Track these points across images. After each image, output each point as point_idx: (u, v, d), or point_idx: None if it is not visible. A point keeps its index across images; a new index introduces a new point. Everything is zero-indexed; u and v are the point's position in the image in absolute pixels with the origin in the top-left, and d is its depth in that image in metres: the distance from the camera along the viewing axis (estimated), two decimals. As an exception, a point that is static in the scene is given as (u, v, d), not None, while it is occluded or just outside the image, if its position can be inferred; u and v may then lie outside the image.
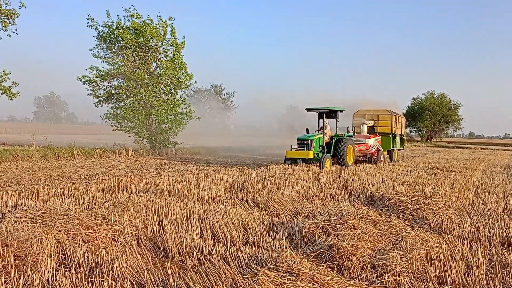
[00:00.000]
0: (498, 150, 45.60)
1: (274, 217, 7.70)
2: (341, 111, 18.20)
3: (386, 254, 5.27)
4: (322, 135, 17.57)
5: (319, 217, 7.04)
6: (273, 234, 6.54)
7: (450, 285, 4.56)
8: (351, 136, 18.59)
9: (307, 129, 18.20)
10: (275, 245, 5.88)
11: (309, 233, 6.29)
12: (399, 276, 4.65)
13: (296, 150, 17.12)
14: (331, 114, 18.08)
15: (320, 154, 17.04)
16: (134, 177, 12.27)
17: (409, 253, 5.24)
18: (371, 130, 22.63)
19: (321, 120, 18.08)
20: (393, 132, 22.80)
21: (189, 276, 4.14)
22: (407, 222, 7.25)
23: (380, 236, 6.20)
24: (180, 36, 32.38)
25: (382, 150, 20.94)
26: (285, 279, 4.25)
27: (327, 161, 16.30)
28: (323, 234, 6.15)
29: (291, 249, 5.59)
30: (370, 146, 20.41)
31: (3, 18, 14.98)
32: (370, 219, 6.92)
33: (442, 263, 5.07)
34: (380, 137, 21.78)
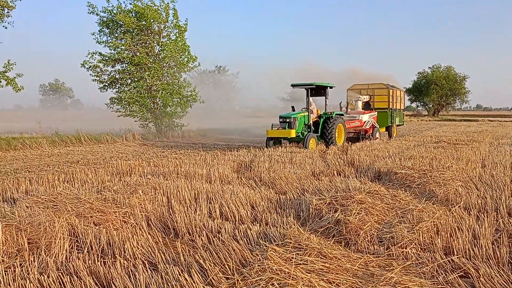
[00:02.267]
0: (506, 121, 45.24)
1: (282, 195, 7.77)
2: (330, 87, 16.98)
3: (393, 227, 5.33)
4: (307, 113, 16.31)
5: (326, 194, 7.09)
6: (280, 211, 6.61)
7: (457, 255, 4.61)
8: (342, 114, 17.42)
9: (292, 107, 17.13)
10: (283, 222, 5.95)
11: (316, 209, 6.36)
12: (406, 248, 4.71)
13: (278, 129, 15.92)
14: (319, 90, 16.91)
15: (306, 133, 15.86)
16: (141, 160, 12.38)
17: (416, 225, 5.30)
18: (367, 106, 21.52)
19: (310, 97, 16.77)
20: (391, 107, 21.82)
21: (199, 254, 4.22)
22: (414, 196, 7.28)
23: (387, 210, 6.26)
24: (183, 18, 31.93)
25: (378, 126, 19.98)
26: (293, 254, 4.32)
27: (311, 141, 15.34)
28: (330, 210, 6.20)
29: (299, 225, 5.66)
30: (365, 122, 19.26)
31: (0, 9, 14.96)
32: (377, 193, 6.96)
33: (449, 235, 5.11)
34: (376, 113, 20.65)
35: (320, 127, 16.45)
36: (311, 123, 16.37)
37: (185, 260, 4.22)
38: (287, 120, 15.67)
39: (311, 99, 16.66)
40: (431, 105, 67.55)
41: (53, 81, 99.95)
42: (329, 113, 16.62)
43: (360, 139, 18.29)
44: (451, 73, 64.94)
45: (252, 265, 3.89)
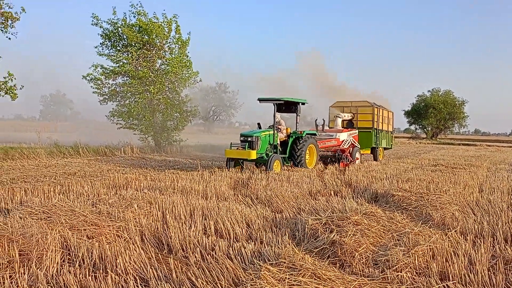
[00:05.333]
0: (504, 147, 45.35)
1: (278, 213, 7.73)
2: (302, 103, 15.42)
3: (388, 250, 5.28)
4: (273, 132, 14.49)
5: (322, 214, 7.06)
6: (276, 230, 6.57)
7: (452, 280, 4.56)
8: (314, 134, 15.87)
9: (258, 124, 15.55)
10: (278, 241, 5.91)
11: (312, 229, 6.31)
12: (401, 272, 4.66)
13: (237, 149, 14.13)
14: (290, 106, 15.22)
15: (270, 154, 14.05)
16: (138, 174, 12.34)
17: (411, 249, 5.25)
18: (350, 125, 19.97)
19: (278, 114, 15.10)
20: (375, 127, 20.14)
21: (191, 271, 4.18)
22: (411, 219, 7.25)
23: (383, 232, 6.21)
24: (185, 32, 32.20)
25: (358, 146, 18.25)
26: (287, 275, 4.27)
27: (275, 163, 13.77)
28: (326, 230, 6.16)
29: (293, 245, 5.62)
30: (343, 141, 17.55)
31: (3, 21, 15.09)
32: (373, 215, 6.93)
33: (444, 259, 5.07)
34: (356, 131, 18.92)
35: (288, 147, 14.95)
36: (278, 143, 14.75)
37: (177, 277, 4.17)
38: (248, 139, 13.97)
39: (279, 116, 15.16)
40: (429, 128, 67.80)
41: (54, 92, 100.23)
42: (299, 132, 15.06)
43: (338, 160, 16.70)
44: (450, 97, 65.33)
45: (244, 284, 3.85)
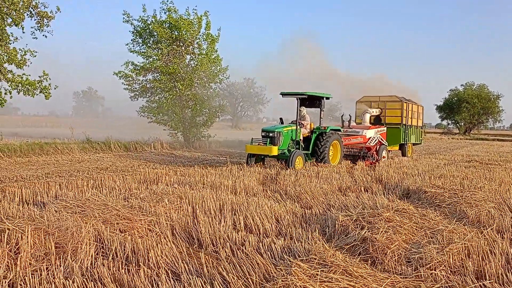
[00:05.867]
0: (542, 142, 43.72)
1: (307, 209, 7.69)
2: (326, 98, 14.89)
3: (421, 248, 5.17)
4: (296, 127, 14.02)
5: (352, 210, 6.98)
6: (306, 226, 6.53)
7: (489, 280, 4.43)
8: (338, 130, 15.33)
9: (280, 119, 15.07)
10: (308, 237, 5.88)
11: (342, 225, 6.25)
12: (435, 270, 4.56)
13: (258, 144, 13.74)
14: (314, 101, 14.76)
15: (292, 150, 13.64)
16: (168, 169, 12.49)
17: (445, 247, 5.13)
18: (377, 121, 19.30)
19: (303, 108, 14.66)
20: (404, 122, 19.39)
21: (222, 266, 4.19)
22: (444, 216, 7.08)
23: (416, 229, 6.09)
24: (215, 28, 32.25)
25: (386, 144, 17.41)
26: (318, 271, 4.24)
27: (297, 159, 13.24)
28: (357, 227, 6.09)
29: (324, 241, 5.57)
30: (369, 138, 16.75)
31: (39, 19, 15.49)
32: (405, 212, 6.80)
33: (480, 258, 4.92)
34: (384, 128, 18.14)
35: (311, 143, 14.41)
36: (301, 138, 14.25)
37: (208, 272, 4.20)
38: (270, 134, 13.53)
39: (305, 111, 14.75)
40: (462, 124, 66.01)
41: (87, 89, 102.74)
42: (323, 128, 14.51)
43: (363, 157, 15.92)
44: (484, 92, 63.32)
45: (275, 280, 3.83)
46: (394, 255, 5.05)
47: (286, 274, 3.92)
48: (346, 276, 4.21)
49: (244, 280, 3.90)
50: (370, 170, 13.20)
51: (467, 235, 5.58)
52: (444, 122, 71.23)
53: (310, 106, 15.10)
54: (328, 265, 4.46)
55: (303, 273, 3.95)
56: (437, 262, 4.71)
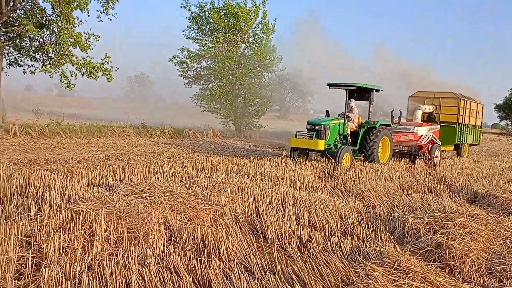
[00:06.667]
0: None
1: (370, 208, 7.44)
2: (377, 90, 13.84)
3: (504, 259, 4.84)
4: (344, 121, 13.17)
5: (421, 212, 6.68)
6: (372, 226, 6.30)
7: None
8: (388, 125, 14.27)
9: (327, 111, 14.12)
10: (376, 238, 5.66)
11: (412, 228, 5.98)
12: (523, 285, 4.23)
13: (303, 138, 12.98)
14: (363, 94, 13.80)
15: (339, 145, 12.88)
16: (224, 158, 12.51)
17: (531, 259, 4.76)
18: (430, 118, 17.85)
19: (351, 101, 13.75)
20: (461, 121, 18.07)
21: (298, 266, 4.05)
22: (521, 224, 6.62)
23: (493, 237, 5.73)
24: (271, 17, 32.04)
25: (438, 143, 15.95)
26: (395, 276, 4.04)
27: (345, 155, 12.39)
28: (429, 231, 5.80)
29: (395, 243, 5.33)
30: (421, 136, 15.50)
31: (105, 2, 15.82)
32: (478, 217, 6.43)
33: None
34: (438, 126, 16.88)
35: (359, 139, 13.51)
36: (348, 133, 13.39)
37: (281, 270, 4.08)
38: (316, 127, 12.70)
39: (353, 103, 13.85)
40: (524, 124, 62.36)
41: (139, 74, 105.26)
42: (372, 123, 13.55)
43: (413, 156, 14.73)
44: (550, 90, 59.44)
45: (356, 284, 3.66)
46: (474, 264, 4.75)
47: (366, 278, 3.74)
48: (426, 284, 3.99)
49: (324, 283, 3.75)
50: (432, 170, 12.66)
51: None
52: (503, 123, 67.59)
53: (358, 99, 14.16)
54: (404, 270, 4.24)
55: (384, 278, 3.76)
56: (524, 276, 4.38)
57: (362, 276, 3.76)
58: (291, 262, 4.23)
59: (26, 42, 15.30)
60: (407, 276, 4.11)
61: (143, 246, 4.53)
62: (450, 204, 7.42)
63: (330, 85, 13.72)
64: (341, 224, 6.30)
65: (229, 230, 5.29)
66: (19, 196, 6.46)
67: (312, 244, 5.19)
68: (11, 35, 15.04)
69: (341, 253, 4.93)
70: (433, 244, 5.26)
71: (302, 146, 12.94)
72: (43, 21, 14.87)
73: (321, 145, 12.36)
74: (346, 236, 5.75)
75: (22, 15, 14.83)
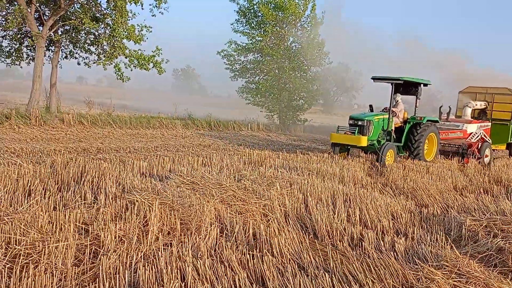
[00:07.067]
0: None
1: (423, 207, 7.20)
2: (425, 85, 13.27)
3: None
4: (388, 116, 12.59)
5: (478, 214, 6.39)
6: (426, 226, 6.09)
7: None
8: (436, 121, 13.64)
9: (370, 106, 13.63)
10: (431, 239, 5.46)
11: (470, 230, 5.73)
12: None
13: (345, 133, 12.44)
14: (409, 88, 13.21)
15: (383, 142, 12.35)
16: (270, 152, 12.49)
17: None
18: (481, 115, 17.06)
19: (397, 95, 13.10)
20: None
21: (353, 265, 3.96)
22: None
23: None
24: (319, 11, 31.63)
25: (489, 141, 15.09)
26: (456, 281, 3.88)
27: (389, 152, 11.86)
28: (488, 234, 5.55)
29: (452, 246, 5.12)
30: (471, 134, 14.72)
31: None
32: (542, 223, 6.07)
33: None
34: (489, 124, 15.94)
35: (404, 135, 12.93)
36: (393, 129, 12.82)
37: (336, 269, 4.00)
38: (359, 122, 12.17)
39: (399, 98, 13.19)
40: None
41: (185, 67, 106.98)
42: (419, 118, 12.98)
43: (461, 155, 13.97)
44: None
45: (416, 288, 3.53)
46: (541, 273, 4.48)
47: (425, 281, 3.60)
48: (490, 291, 3.80)
49: (383, 285, 3.64)
50: (486, 169, 12.12)
51: None
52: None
53: (404, 93, 13.56)
54: (464, 275, 4.07)
55: (444, 282, 3.61)
56: None
57: (422, 279, 3.62)
58: (346, 261, 4.14)
59: (81, 35, 15.85)
60: (468, 281, 3.94)
61: (196, 238, 4.57)
62: (510, 207, 7.06)
63: (374, 78, 13.19)
64: (393, 223, 6.13)
65: (280, 225, 5.25)
66: (76, 184, 6.69)
67: (364, 243, 5.08)
68: (68, 28, 15.61)
69: (395, 253, 4.79)
70: (494, 248, 5.01)
71: (343, 142, 12.52)
72: (98, 15, 15.33)
73: (364, 141, 11.85)
74: (399, 236, 5.59)
75: (78, 9, 15.35)
